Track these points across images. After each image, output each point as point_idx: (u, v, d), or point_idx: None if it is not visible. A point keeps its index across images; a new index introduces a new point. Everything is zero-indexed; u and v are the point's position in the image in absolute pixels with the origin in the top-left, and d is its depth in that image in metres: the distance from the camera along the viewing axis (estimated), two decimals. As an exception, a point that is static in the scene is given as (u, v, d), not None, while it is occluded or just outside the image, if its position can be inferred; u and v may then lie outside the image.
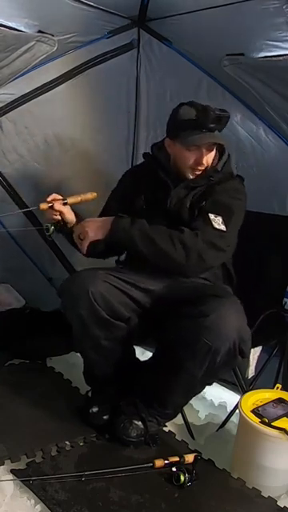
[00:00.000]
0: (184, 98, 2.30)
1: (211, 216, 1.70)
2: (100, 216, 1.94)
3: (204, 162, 1.76)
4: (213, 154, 1.79)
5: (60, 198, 1.77)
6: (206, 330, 1.50)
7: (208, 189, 1.79)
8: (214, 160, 1.81)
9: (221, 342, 1.50)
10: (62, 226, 1.80)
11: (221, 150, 1.84)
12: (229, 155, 1.86)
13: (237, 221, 1.76)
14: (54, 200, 1.75)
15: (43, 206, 1.74)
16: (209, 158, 1.78)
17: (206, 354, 1.52)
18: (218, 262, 1.76)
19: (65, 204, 1.77)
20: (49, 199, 1.75)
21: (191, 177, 1.80)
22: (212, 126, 1.69)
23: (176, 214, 1.79)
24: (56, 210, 1.75)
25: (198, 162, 1.76)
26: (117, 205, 1.94)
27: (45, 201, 1.75)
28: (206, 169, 1.79)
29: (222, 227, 1.69)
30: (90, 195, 1.84)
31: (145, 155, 1.98)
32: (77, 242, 1.76)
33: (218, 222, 1.69)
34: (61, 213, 1.77)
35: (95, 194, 1.85)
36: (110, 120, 2.51)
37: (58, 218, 1.78)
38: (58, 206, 1.75)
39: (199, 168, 1.77)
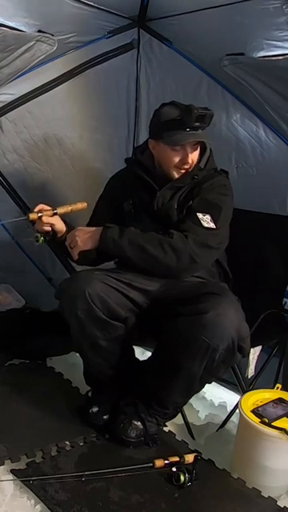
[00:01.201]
0: (184, 98, 2.29)
1: (199, 215, 1.71)
2: (89, 222, 1.95)
3: (189, 160, 1.76)
4: (197, 152, 1.79)
5: (48, 208, 1.74)
6: (204, 327, 1.50)
7: (194, 188, 1.80)
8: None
9: (219, 339, 1.50)
10: (51, 236, 1.79)
11: (202, 147, 1.84)
12: (210, 151, 1.86)
13: (226, 216, 1.76)
14: (43, 210, 1.73)
15: (32, 215, 1.72)
16: (194, 157, 1.78)
17: (205, 352, 1.52)
18: (210, 260, 1.77)
19: (54, 214, 1.75)
20: (36, 209, 1.73)
21: (176, 176, 1.80)
22: (196, 124, 1.69)
23: (164, 216, 1.79)
24: (46, 223, 1.74)
25: (184, 162, 1.76)
26: (105, 211, 1.95)
27: (33, 211, 1.73)
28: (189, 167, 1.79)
29: (212, 225, 1.70)
30: (81, 205, 1.82)
31: (127, 160, 1.99)
32: (69, 250, 1.77)
33: (206, 221, 1.70)
34: (51, 224, 1.76)
35: (86, 204, 1.84)
36: (110, 120, 2.51)
37: (48, 229, 1.76)
38: (46, 218, 1.73)
39: (185, 167, 1.78)
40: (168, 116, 1.73)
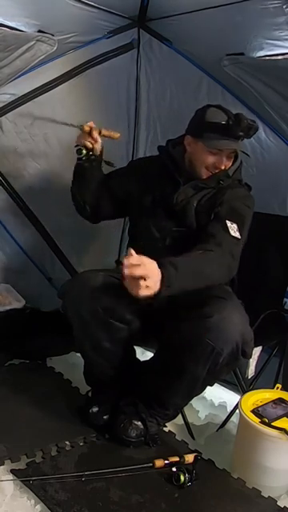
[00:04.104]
0: (184, 98, 2.29)
1: (228, 223, 1.71)
2: None
3: (222, 166, 1.79)
4: (231, 160, 1.82)
5: (94, 126, 1.86)
6: (209, 331, 1.50)
7: (217, 193, 1.80)
8: None
9: (224, 343, 1.50)
10: (90, 154, 1.89)
11: (234, 157, 1.85)
12: (241, 162, 1.88)
13: (247, 229, 1.78)
14: (92, 127, 1.84)
15: (86, 127, 1.84)
16: (227, 164, 1.81)
17: (209, 355, 1.51)
18: (236, 269, 1.75)
19: (99, 133, 1.86)
20: (89, 124, 1.84)
21: (204, 176, 1.81)
22: (241, 134, 1.71)
23: (181, 212, 1.80)
24: (93, 138, 1.84)
25: (217, 166, 1.78)
26: (116, 183, 1.97)
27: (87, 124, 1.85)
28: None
29: (237, 235, 1.71)
30: (116, 135, 1.96)
31: (160, 149, 1.98)
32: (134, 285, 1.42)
33: (234, 230, 1.71)
34: (95, 141, 1.85)
35: (119, 135, 1.99)
36: (110, 120, 2.51)
37: (90, 145, 1.86)
38: (96, 134, 1.84)
39: (215, 171, 1.79)
40: (214, 118, 1.74)
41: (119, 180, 1.98)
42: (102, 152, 1.93)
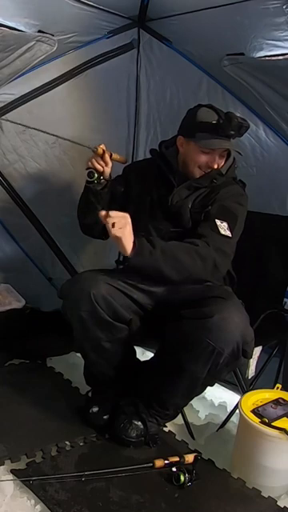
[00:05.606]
0: (184, 98, 2.29)
1: (218, 222, 1.72)
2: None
3: (215, 166, 1.79)
4: (224, 158, 1.82)
5: (105, 149, 1.84)
6: (209, 331, 1.50)
7: (211, 192, 1.81)
8: None
9: (225, 343, 1.50)
10: (99, 178, 1.86)
11: (227, 155, 1.85)
12: (234, 160, 1.88)
13: (240, 227, 1.78)
14: (104, 150, 1.82)
15: (100, 148, 1.82)
16: (220, 162, 1.81)
17: (210, 355, 1.51)
18: (227, 268, 1.78)
19: (110, 157, 1.84)
20: (102, 146, 1.82)
21: (197, 175, 1.82)
22: (232, 133, 1.71)
23: (176, 213, 1.80)
24: (105, 161, 1.82)
25: (209, 165, 1.79)
26: (119, 193, 1.96)
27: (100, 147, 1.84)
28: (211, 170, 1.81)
29: (228, 233, 1.71)
30: (124, 159, 1.99)
31: (152, 151, 1.98)
32: (109, 227, 1.56)
33: (224, 228, 1.71)
34: (106, 165, 1.83)
35: (127, 159, 2.04)
36: (110, 120, 2.51)
37: (101, 168, 1.83)
38: (108, 157, 1.83)
39: (208, 170, 1.80)
40: (205, 118, 1.74)
41: (120, 189, 1.97)
42: (110, 175, 1.90)
